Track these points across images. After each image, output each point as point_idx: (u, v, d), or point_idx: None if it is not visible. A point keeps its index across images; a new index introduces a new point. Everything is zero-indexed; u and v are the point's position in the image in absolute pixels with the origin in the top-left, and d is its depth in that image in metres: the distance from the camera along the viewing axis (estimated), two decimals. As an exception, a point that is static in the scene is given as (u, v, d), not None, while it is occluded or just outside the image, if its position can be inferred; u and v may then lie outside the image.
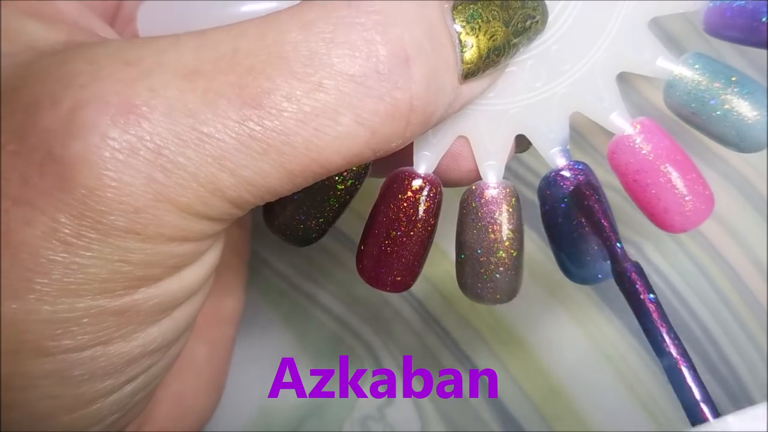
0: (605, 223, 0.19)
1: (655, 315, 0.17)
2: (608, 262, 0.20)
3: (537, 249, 0.31)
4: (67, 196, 0.15)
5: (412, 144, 0.20)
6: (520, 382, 0.31)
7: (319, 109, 0.15)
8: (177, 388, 0.23)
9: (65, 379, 0.16)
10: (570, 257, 0.20)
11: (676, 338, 0.17)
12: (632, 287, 0.17)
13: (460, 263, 0.21)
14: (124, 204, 0.15)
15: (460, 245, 0.20)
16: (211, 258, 0.18)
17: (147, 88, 0.15)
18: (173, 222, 0.15)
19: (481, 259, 0.20)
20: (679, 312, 0.31)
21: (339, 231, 0.33)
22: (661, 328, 0.17)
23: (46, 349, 0.15)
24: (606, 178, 0.21)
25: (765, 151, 0.31)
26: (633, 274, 0.18)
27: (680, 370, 0.16)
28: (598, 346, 0.31)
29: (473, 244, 0.20)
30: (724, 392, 0.31)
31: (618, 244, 0.18)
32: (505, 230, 0.20)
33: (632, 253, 0.32)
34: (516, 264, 0.20)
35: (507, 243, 0.20)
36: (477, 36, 0.17)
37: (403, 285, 0.20)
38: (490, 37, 0.17)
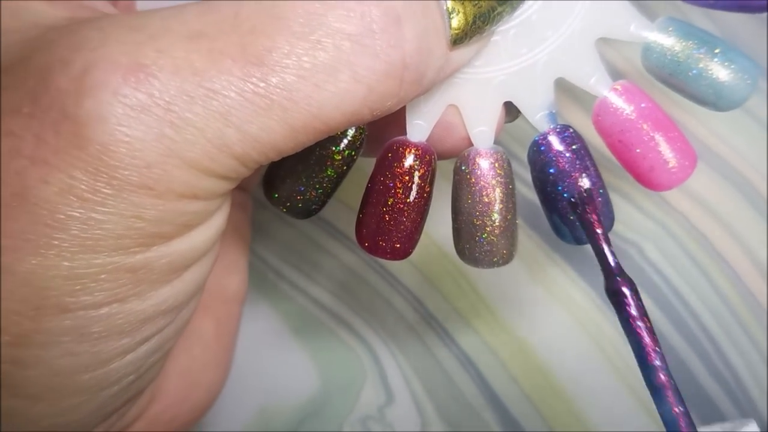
0: (602, 245, 0.19)
1: (644, 337, 0.18)
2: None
3: (536, 248, 0.32)
4: (81, 152, 0.15)
5: (405, 120, 0.21)
6: (520, 382, 0.31)
7: (318, 66, 0.16)
8: (186, 363, 0.23)
9: (84, 336, 0.16)
10: (562, 219, 0.21)
11: (662, 359, 0.17)
12: (623, 308, 0.18)
13: (456, 230, 0.21)
14: (137, 159, 0.15)
15: (456, 211, 0.21)
16: (218, 220, 0.18)
17: (154, 50, 0.16)
18: (183, 178, 0.16)
19: (477, 223, 0.21)
20: (679, 312, 0.31)
21: (334, 227, 0.33)
22: (651, 354, 0.18)
23: (66, 305, 0.16)
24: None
25: (765, 151, 0.32)
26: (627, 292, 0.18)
27: (666, 394, 0.17)
28: (598, 345, 0.31)
29: (468, 209, 0.21)
30: (725, 392, 0.31)
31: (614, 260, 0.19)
32: (498, 193, 0.20)
33: (632, 254, 0.32)
34: (511, 227, 0.21)
35: (501, 206, 0.20)
36: (463, 3, 0.18)
37: (402, 252, 0.21)
38: (475, 5, 0.18)
